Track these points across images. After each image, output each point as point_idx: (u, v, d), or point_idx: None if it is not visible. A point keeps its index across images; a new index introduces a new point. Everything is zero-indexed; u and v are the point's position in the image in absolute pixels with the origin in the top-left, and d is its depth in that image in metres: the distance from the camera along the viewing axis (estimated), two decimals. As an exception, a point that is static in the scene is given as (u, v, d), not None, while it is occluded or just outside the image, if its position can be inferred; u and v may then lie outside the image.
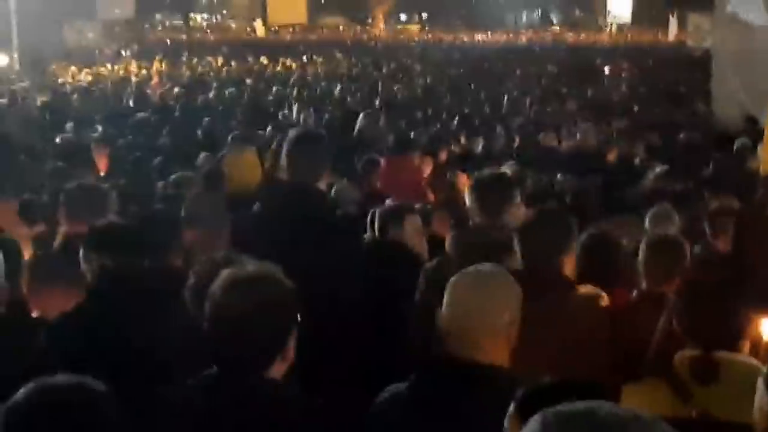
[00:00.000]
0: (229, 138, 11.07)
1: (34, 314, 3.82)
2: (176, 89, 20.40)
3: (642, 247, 4.32)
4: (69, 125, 14.23)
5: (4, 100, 18.38)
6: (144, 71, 27.92)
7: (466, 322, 2.89)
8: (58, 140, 12.16)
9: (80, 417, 1.92)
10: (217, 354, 2.75)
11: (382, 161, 9.37)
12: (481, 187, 4.36)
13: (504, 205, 4.27)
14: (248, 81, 24.40)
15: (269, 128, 14.33)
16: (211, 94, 19.50)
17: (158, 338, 3.40)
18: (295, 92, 21.01)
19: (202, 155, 10.82)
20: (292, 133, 4.78)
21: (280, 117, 15.67)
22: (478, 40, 48.82)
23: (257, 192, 8.27)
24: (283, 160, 4.63)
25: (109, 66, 29.97)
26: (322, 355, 3.59)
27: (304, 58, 33.84)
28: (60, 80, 23.88)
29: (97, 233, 3.86)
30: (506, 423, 2.29)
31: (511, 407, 2.28)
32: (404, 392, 2.96)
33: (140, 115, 15.15)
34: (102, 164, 10.78)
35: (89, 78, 25.54)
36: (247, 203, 7.09)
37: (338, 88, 21.84)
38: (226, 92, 19.70)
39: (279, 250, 3.56)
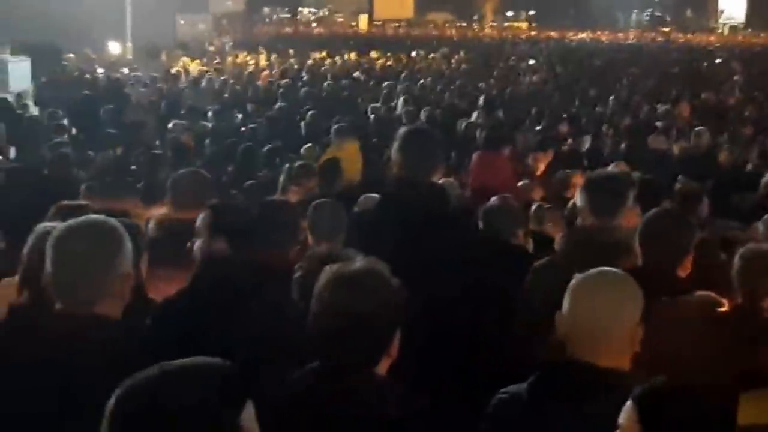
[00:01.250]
0: (333, 129, 11.16)
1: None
2: (282, 81, 20.62)
3: (736, 258, 4.17)
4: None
5: (144, 90, 18.86)
6: (253, 63, 28.32)
7: (589, 327, 2.83)
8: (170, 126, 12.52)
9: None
10: (322, 350, 2.74)
11: (474, 157, 9.34)
12: (594, 187, 4.27)
13: (617, 206, 4.18)
14: (356, 74, 24.53)
15: (370, 122, 14.43)
16: (312, 86, 19.67)
17: (256, 329, 3.41)
18: (399, 87, 21.05)
19: (305, 147, 10.96)
20: (403, 129, 4.74)
21: (382, 111, 15.71)
22: (587, 38, 48.15)
23: (361, 184, 8.35)
24: (394, 155, 4.60)
25: (219, 58, 30.47)
26: (420, 351, 3.56)
27: (413, 53, 33.83)
28: (173, 71, 24.33)
29: (217, 215, 3.89)
30: (622, 418, 2.26)
31: (629, 403, 2.24)
32: (523, 394, 2.91)
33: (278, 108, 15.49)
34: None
35: (200, 69, 26.00)
36: (351, 195, 7.13)
37: (442, 84, 21.80)
38: (325, 84, 19.87)
39: (389, 245, 3.54)
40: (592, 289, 2.90)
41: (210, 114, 14.80)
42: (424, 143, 4.58)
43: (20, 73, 22.75)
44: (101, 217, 2.85)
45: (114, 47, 30.88)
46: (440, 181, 6.61)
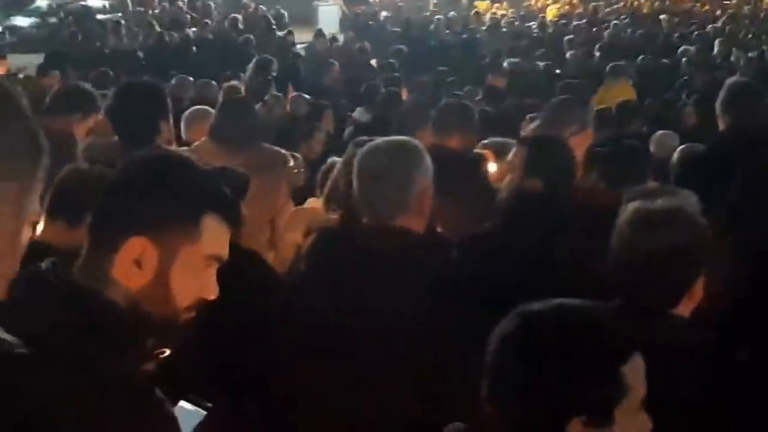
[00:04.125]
0: (608, 68, 11.25)
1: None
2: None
3: None
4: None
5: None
6: (555, 6, 28.00)
7: None
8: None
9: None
10: (621, 289, 2.66)
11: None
12: None
13: None
14: (662, 17, 23.64)
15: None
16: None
17: (565, 266, 3.36)
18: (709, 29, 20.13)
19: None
20: (729, 81, 4.89)
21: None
22: None
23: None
24: (720, 107, 4.59)
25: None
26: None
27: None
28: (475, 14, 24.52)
29: (535, 151, 3.85)
30: None
31: None
32: None
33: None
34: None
35: (501, 13, 26.05)
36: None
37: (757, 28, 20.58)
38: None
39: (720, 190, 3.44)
40: None
41: (569, 54, 14.91)
42: (750, 97, 4.68)
43: (329, 18, 23.82)
44: (403, 137, 3.06)
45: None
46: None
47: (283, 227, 4.83)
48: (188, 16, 21.19)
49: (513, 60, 13.67)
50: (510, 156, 4.21)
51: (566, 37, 17.78)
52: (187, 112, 6.52)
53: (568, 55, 15.55)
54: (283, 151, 5.53)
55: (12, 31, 23.03)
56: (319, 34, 18.06)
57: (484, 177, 4.82)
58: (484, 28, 21.08)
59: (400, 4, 27.89)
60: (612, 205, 3.32)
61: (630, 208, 2.70)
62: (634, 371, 1.78)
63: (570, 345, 1.75)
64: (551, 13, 27.18)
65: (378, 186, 2.83)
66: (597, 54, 15.16)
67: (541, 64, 14.26)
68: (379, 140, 2.99)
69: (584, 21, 21.13)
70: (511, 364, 1.77)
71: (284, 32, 19.46)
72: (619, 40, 17.68)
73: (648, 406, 1.80)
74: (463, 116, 5.14)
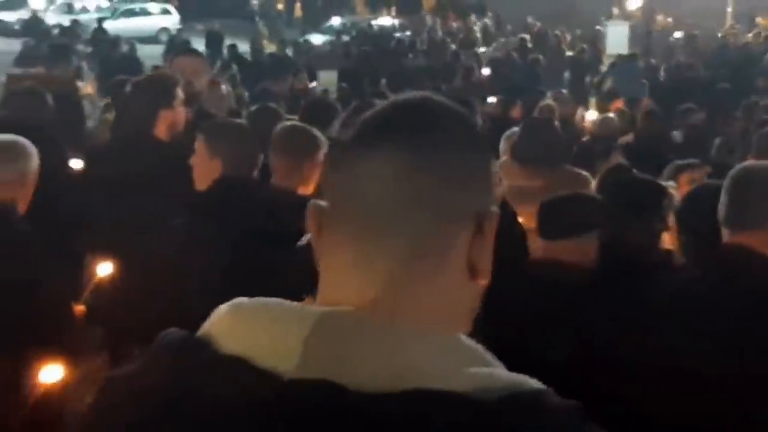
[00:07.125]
0: None
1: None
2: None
3: None
4: None
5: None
6: None
7: None
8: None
9: None
10: None
11: None
12: None
13: None
14: None
15: None
16: None
17: None
18: None
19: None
20: None
21: None
22: None
23: None
24: None
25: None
26: None
27: None
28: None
29: None
30: None
31: None
32: None
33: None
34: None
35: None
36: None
37: None
38: None
39: None
40: None
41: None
42: None
43: (618, 38, 23.49)
44: None
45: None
46: None
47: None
48: (478, 35, 21.48)
49: None
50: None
51: None
52: (489, 131, 6.60)
53: None
54: (584, 172, 5.42)
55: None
56: (632, 56, 17.65)
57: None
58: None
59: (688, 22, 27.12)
60: None
61: None
62: None
63: None
64: None
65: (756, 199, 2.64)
66: None
67: None
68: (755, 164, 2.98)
69: None
70: None
71: (576, 51, 19.30)
72: None
73: None
74: None
